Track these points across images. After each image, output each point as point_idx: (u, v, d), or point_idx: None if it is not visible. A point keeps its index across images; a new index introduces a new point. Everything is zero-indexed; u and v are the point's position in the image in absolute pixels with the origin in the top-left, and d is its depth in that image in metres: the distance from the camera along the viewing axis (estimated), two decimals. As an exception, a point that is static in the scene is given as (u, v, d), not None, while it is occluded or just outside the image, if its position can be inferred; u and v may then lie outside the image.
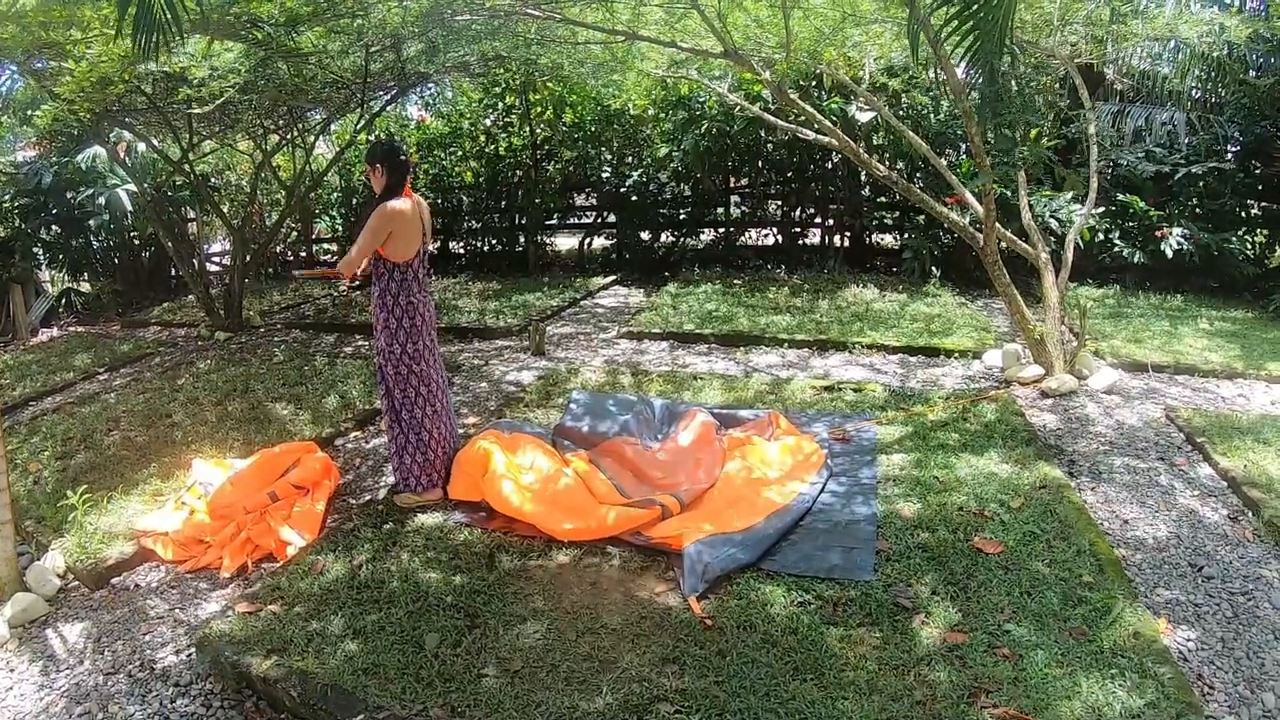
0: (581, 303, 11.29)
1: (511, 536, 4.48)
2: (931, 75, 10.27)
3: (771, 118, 8.60)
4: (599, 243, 14.79)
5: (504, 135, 13.71)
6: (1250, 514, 4.51)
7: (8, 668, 3.83)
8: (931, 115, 10.73)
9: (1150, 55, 9.40)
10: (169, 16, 3.50)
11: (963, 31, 4.28)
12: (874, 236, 12.96)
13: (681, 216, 13.66)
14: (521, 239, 14.40)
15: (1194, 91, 10.00)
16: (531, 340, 8.56)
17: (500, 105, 13.64)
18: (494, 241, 14.75)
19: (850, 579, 3.90)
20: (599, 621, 3.62)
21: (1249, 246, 10.09)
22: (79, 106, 7.59)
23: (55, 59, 7.15)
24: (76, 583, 4.54)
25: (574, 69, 9.90)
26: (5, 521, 4.30)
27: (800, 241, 13.19)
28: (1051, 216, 9.68)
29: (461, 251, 15.12)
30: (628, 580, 3.99)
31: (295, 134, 11.71)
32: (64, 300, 13.45)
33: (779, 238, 13.47)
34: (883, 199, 12.30)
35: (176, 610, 4.21)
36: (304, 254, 16.08)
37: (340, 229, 15.53)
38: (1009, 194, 8.57)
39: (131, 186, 11.39)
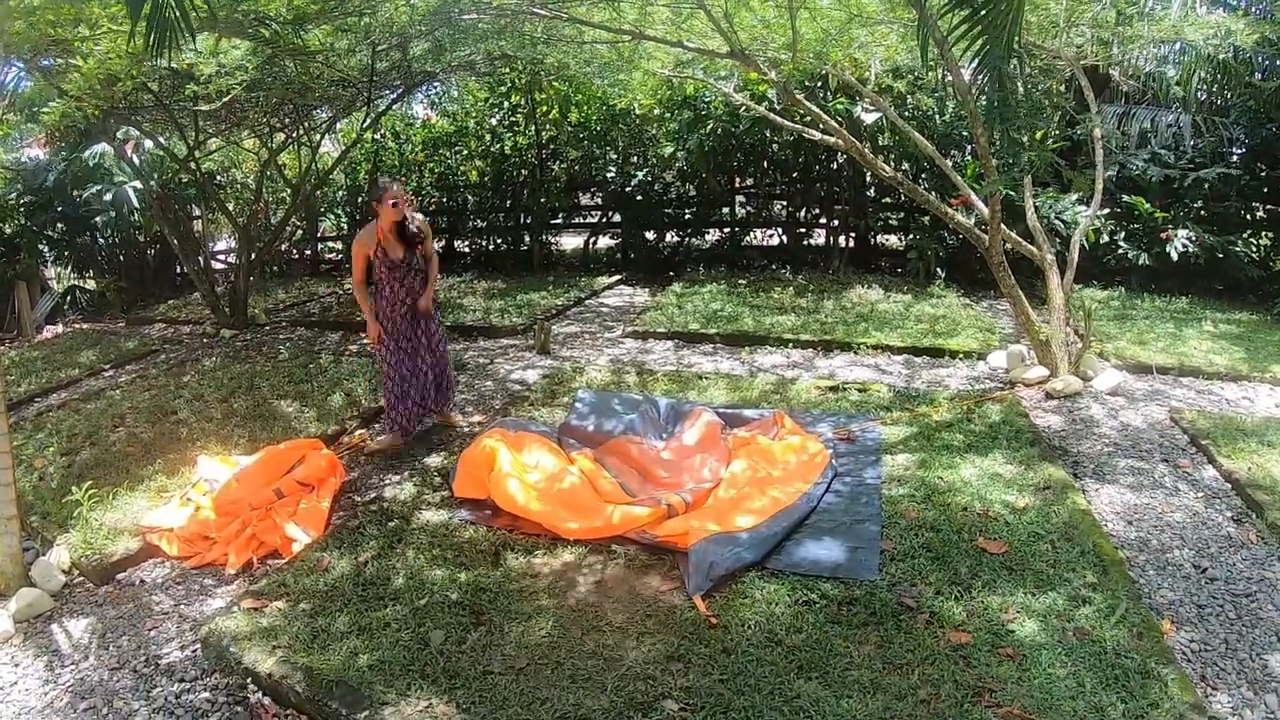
0: (586, 302, 11.29)
1: (516, 534, 4.49)
2: (937, 77, 10.28)
3: (777, 118, 8.60)
4: (604, 242, 14.79)
5: (509, 134, 13.71)
6: (1254, 516, 4.51)
7: (13, 663, 3.84)
8: (937, 116, 10.72)
9: (1156, 57, 9.40)
10: (179, 14, 3.51)
11: (971, 35, 4.28)
12: (879, 237, 12.94)
13: (687, 216, 13.65)
14: (526, 238, 14.41)
15: (1200, 94, 9.99)
16: (536, 339, 8.57)
17: (506, 104, 13.64)
18: (499, 240, 14.77)
19: (855, 578, 3.90)
20: (604, 619, 3.63)
21: (1254, 249, 10.07)
22: (87, 104, 7.61)
23: (63, 56, 7.16)
24: (81, 578, 4.55)
25: (580, 68, 9.91)
26: (11, 517, 4.31)
27: (805, 242, 13.18)
28: (1057, 218, 9.68)
29: (467, 250, 15.14)
30: (633, 578, 3.99)
31: (301, 132, 11.72)
32: (69, 297, 13.48)
33: (784, 238, 13.47)
34: (888, 200, 12.30)
35: (181, 606, 4.22)
36: (309, 252, 16.10)
37: (345, 227, 15.54)
38: (1014, 195, 8.56)
39: (138, 184, 11.41)
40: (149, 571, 4.60)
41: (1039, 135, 9.22)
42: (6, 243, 12.37)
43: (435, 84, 13.74)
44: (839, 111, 10.64)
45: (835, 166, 12.18)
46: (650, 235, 13.76)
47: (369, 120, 11.51)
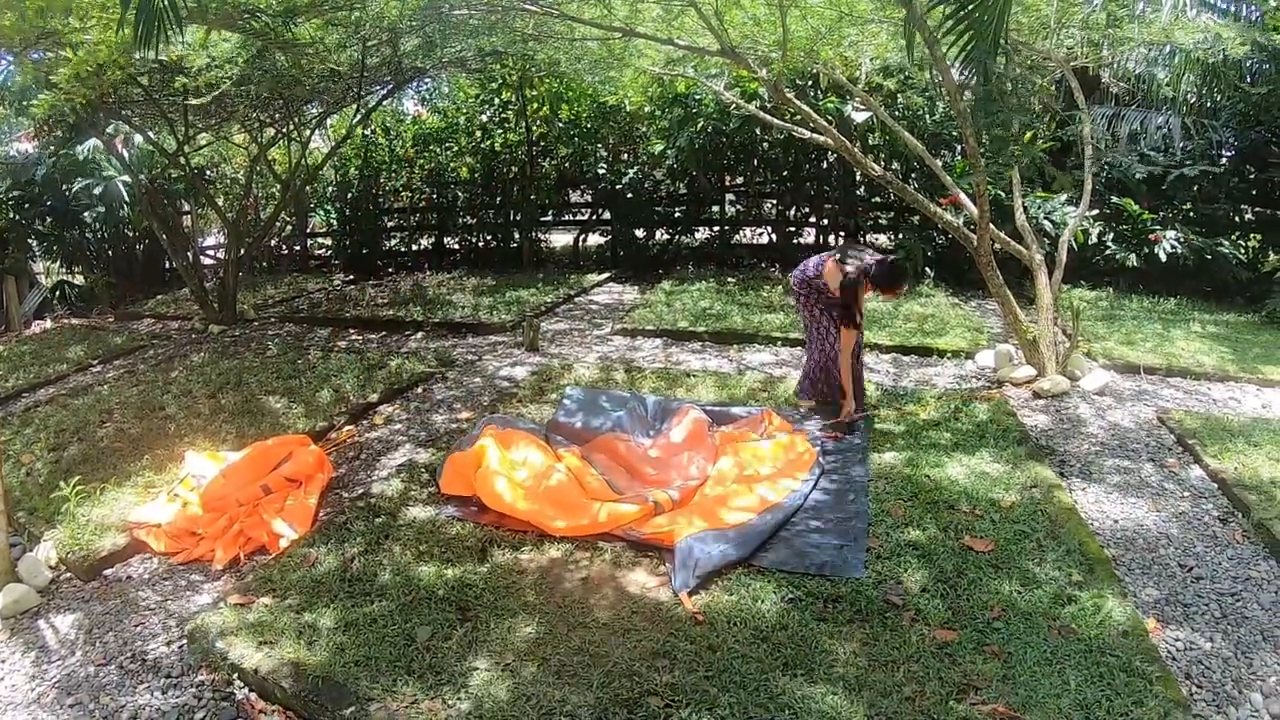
0: (576, 299, 11.29)
1: (503, 531, 4.49)
2: (927, 76, 10.29)
3: (767, 116, 8.61)
4: (593, 240, 14.79)
5: (500, 131, 13.72)
6: (1240, 515, 4.54)
7: (-1, 658, 3.83)
8: (927, 116, 10.74)
9: (1146, 60, 9.43)
10: (167, 5, 3.51)
11: (958, 31, 4.29)
12: (868, 236, 12.96)
13: (676, 214, 13.66)
14: (516, 235, 14.40)
15: (1189, 97, 10.03)
16: (525, 336, 8.57)
17: (496, 101, 13.65)
18: (489, 237, 14.77)
19: (841, 576, 3.91)
20: (590, 615, 3.63)
21: (1242, 251, 10.11)
22: (75, 95, 7.57)
23: (53, 48, 7.13)
24: (69, 574, 4.54)
25: (571, 65, 9.90)
26: (-3, 511, 4.30)
27: (795, 240, 13.18)
28: (1046, 218, 9.70)
29: (456, 247, 15.13)
30: (619, 575, 4.00)
31: (291, 127, 11.69)
32: (58, 292, 13.43)
33: (773, 236, 13.48)
34: (877, 199, 12.33)
35: (168, 602, 4.21)
36: (298, 248, 16.08)
37: (334, 223, 15.52)
38: (1003, 195, 8.59)
39: (127, 179, 11.37)
40: (136, 567, 4.59)
41: (1028, 135, 9.25)
42: (-5, 237, 12.32)
43: (426, 80, 13.72)
44: (829, 110, 10.66)
45: (825, 165, 12.19)
46: (640, 233, 13.75)
47: (359, 116, 11.50)
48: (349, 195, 14.88)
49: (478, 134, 13.88)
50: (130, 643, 3.85)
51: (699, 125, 11.55)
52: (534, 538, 4.38)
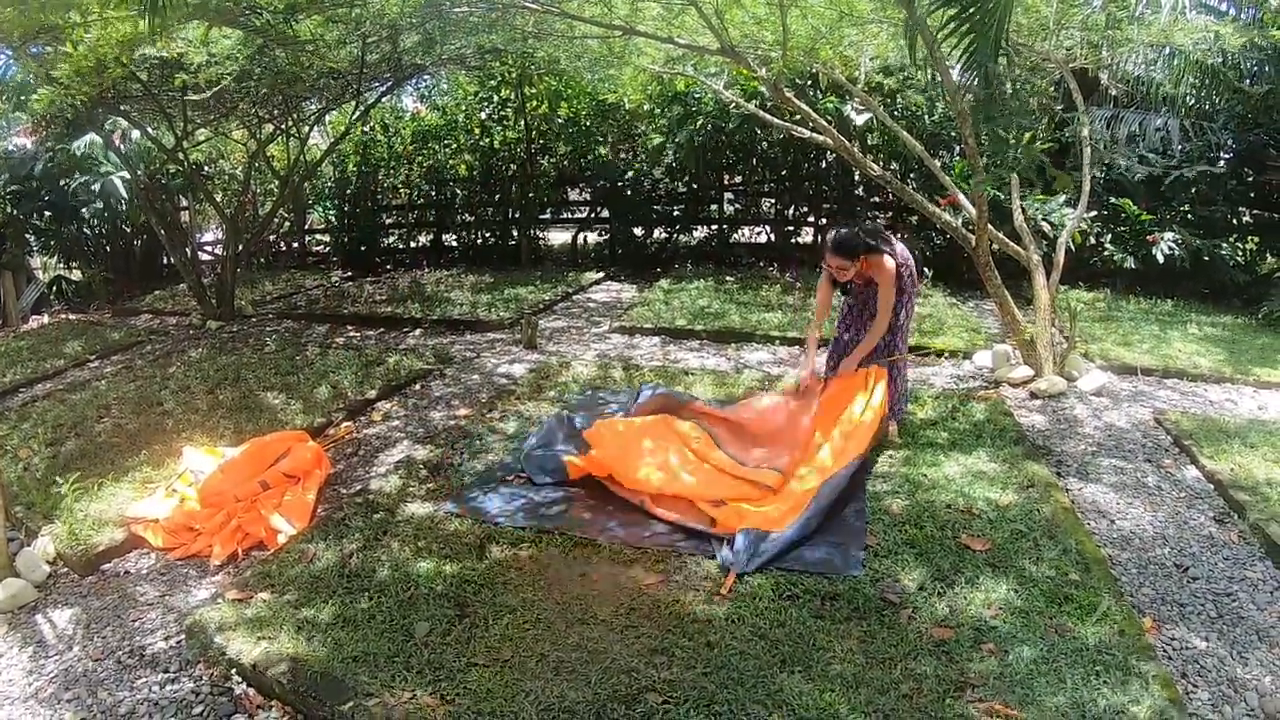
0: (574, 297, 11.29)
1: (501, 528, 4.48)
2: (927, 76, 10.30)
3: (767, 115, 8.61)
4: (592, 238, 14.80)
5: (499, 129, 13.71)
6: (1236, 516, 4.55)
7: (-4, 652, 3.83)
8: (926, 116, 10.75)
9: (1145, 61, 9.43)
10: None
11: (960, 34, 4.31)
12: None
13: (675, 213, 13.67)
14: (515, 232, 14.40)
15: (1188, 98, 10.04)
16: (524, 334, 8.57)
17: (496, 98, 13.64)
18: (487, 235, 14.77)
19: (839, 574, 3.92)
20: (588, 612, 3.64)
21: (1240, 253, 10.13)
22: (75, 91, 7.56)
23: (52, 43, 7.13)
24: (66, 569, 4.54)
25: (570, 63, 9.90)
26: (-5, 506, 4.30)
27: (793, 240, 13.20)
28: (1044, 219, 9.70)
29: (455, 244, 15.13)
30: (617, 572, 4.00)
31: (290, 123, 11.68)
32: (55, 287, 13.42)
33: (772, 236, 13.49)
34: (876, 199, 12.34)
35: (166, 597, 4.21)
36: (296, 244, 16.07)
37: (333, 220, 15.51)
38: (1002, 196, 8.59)
39: (126, 174, 11.35)
40: (134, 562, 4.59)
41: (1027, 137, 9.25)
42: (-8, 231, 12.31)
43: (425, 77, 13.72)
44: (829, 110, 10.66)
45: (824, 165, 12.20)
46: (638, 231, 13.76)
47: (358, 112, 11.49)
48: (347, 192, 14.86)
49: (477, 131, 13.86)
50: (128, 638, 3.86)
51: (698, 124, 11.55)
52: (532, 534, 4.38)
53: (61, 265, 13.69)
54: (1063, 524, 4.28)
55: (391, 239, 15.49)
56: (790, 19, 6.43)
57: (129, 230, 13.76)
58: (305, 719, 3.23)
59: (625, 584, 3.89)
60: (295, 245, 16.12)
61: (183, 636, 3.76)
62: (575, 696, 3.09)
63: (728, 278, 11.55)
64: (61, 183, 12.04)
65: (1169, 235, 9.67)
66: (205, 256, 14.48)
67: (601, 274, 12.66)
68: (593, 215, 14.52)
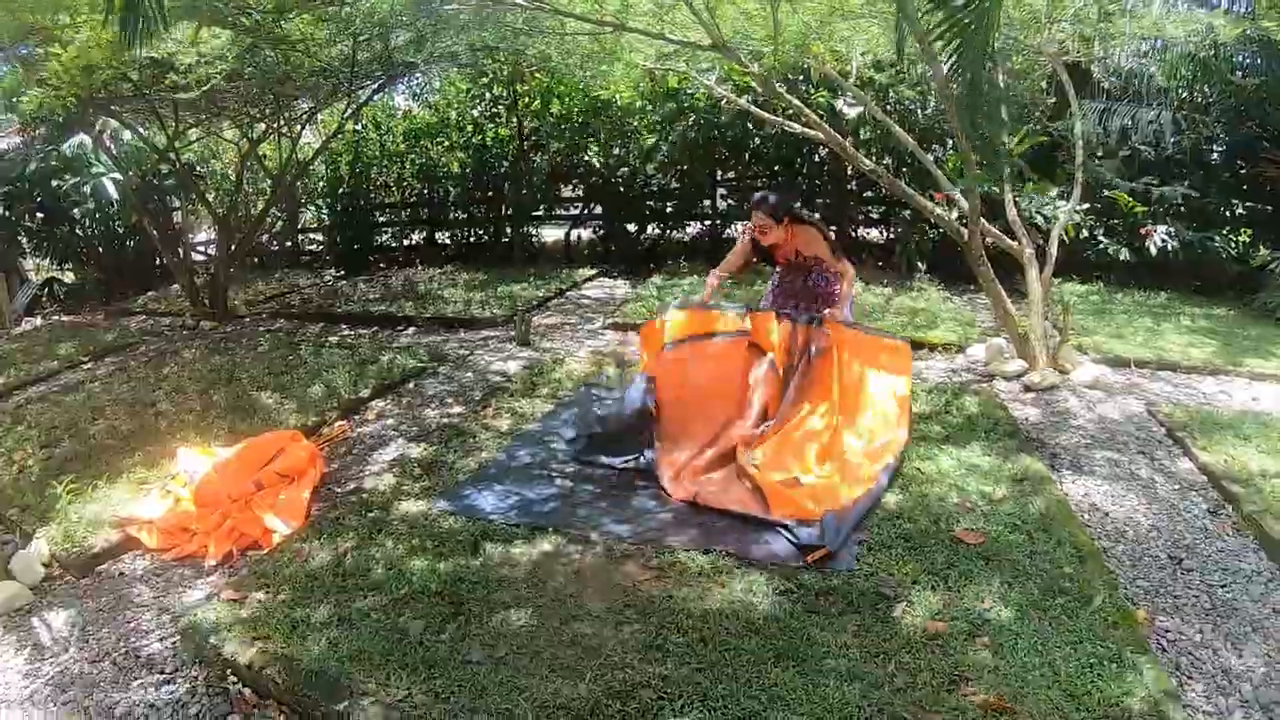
0: (567, 294, 11.26)
1: (496, 525, 4.48)
2: (919, 71, 10.30)
3: (759, 111, 8.61)
4: (585, 234, 14.78)
5: (491, 126, 13.69)
6: (1230, 508, 4.56)
7: (-9, 655, 3.83)
8: (919, 111, 10.75)
9: (1137, 54, 9.44)
10: (156, 4, 3.50)
11: (948, 36, 4.32)
12: (860, 230, 12.97)
13: (668, 209, 13.65)
14: (508, 230, 14.38)
15: (1181, 91, 10.05)
16: (517, 331, 8.56)
17: (488, 96, 13.62)
18: (480, 232, 14.71)
19: (833, 568, 3.93)
20: (582, 608, 3.64)
21: (1233, 245, 10.14)
22: (65, 92, 7.55)
23: (42, 45, 7.11)
24: (61, 571, 4.54)
25: (562, 59, 9.89)
26: (-11, 508, 4.30)
27: (787, 235, 13.17)
28: (1037, 213, 9.71)
29: (448, 242, 15.08)
30: (611, 568, 4.00)
31: (281, 123, 11.66)
32: (48, 289, 13.39)
33: (765, 231, 13.45)
34: (869, 193, 12.33)
35: (161, 598, 4.21)
36: (289, 243, 16.04)
37: (326, 219, 15.49)
38: (995, 190, 8.60)
39: (117, 175, 11.33)
40: (129, 564, 4.59)
41: (1019, 135, 9.26)
42: (-15, 233, 12.28)
43: (417, 75, 13.68)
44: (821, 105, 10.65)
45: (817, 160, 12.17)
46: (631, 227, 13.74)
47: (350, 111, 11.48)
48: (340, 191, 14.82)
49: (469, 129, 13.84)
50: (124, 639, 3.85)
51: (691, 120, 11.54)
52: (525, 532, 4.38)
53: (54, 267, 13.67)
54: (1056, 517, 4.29)
55: (384, 237, 15.43)
56: (781, 14, 6.43)
57: (122, 231, 13.73)
58: (301, 718, 3.23)
59: (619, 580, 3.89)
60: (288, 244, 16.08)
61: (178, 637, 3.75)
62: (570, 693, 3.09)
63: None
64: (53, 184, 12.02)
65: (1162, 228, 9.68)
66: (198, 257, 14.44)
67: (595, 270, 12.61)
68: (585, 212, 14.49)
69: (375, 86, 11.62)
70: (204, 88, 8.12)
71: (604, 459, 5.23)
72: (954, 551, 4.01)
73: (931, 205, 7.04)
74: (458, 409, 6.55)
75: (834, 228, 11.81)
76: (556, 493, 4.89)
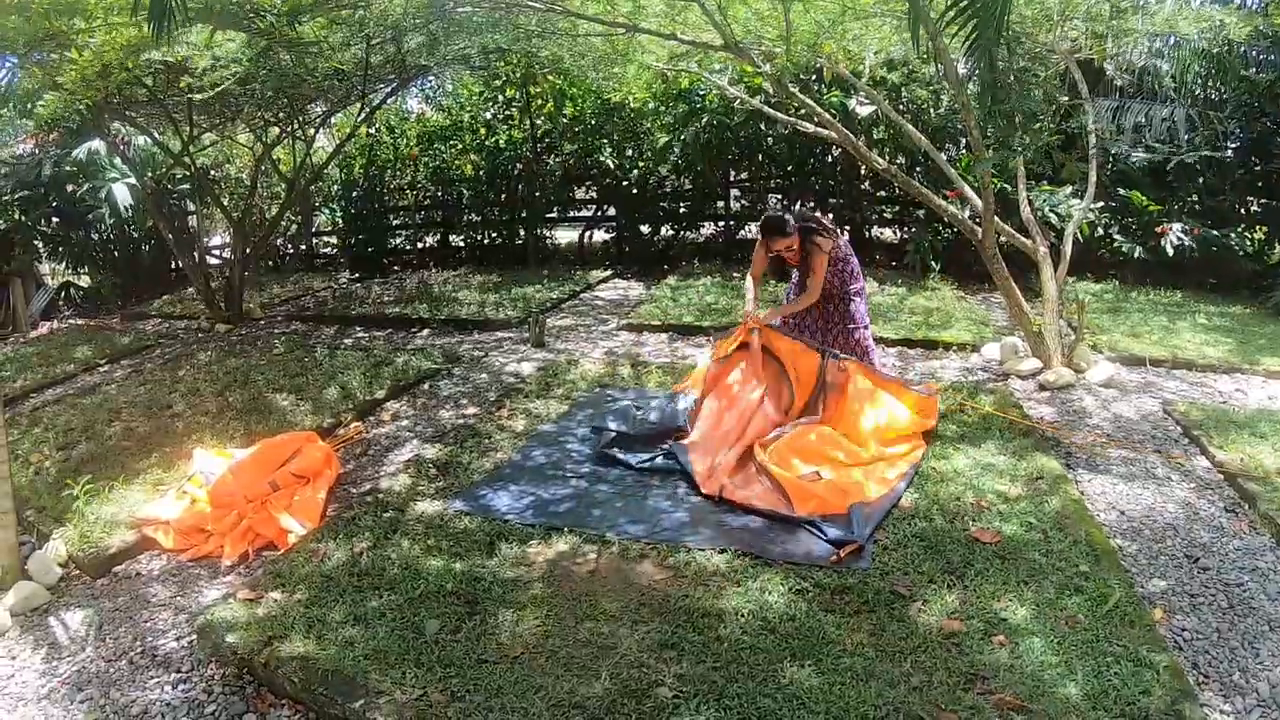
0: (581, 295, 11.29)
1: (511, 525, 4.49)
2: (931, 70, 10.27)
3: (771, 111, 8.61)
4: (598, 236, 14.79)
5: (504, 128, 13.70)
6: (1246, 506, 4.54)
7: (10, 655, 3.85)
8: (931, 110, 10.73)
9: (1150, 51, 9.40)
10: (178, 2, 3.54)
11: (961, 21, 4.30)
12: (874, 230, 12.96)
13: (681, 210, 13.65)
14: (521, 232, 14.40)
15: (1194, 87, 10.00)
16: (531, 332, 8.57)
17: (500, 98, 13.65)
18: (494, 234, 14.74)
19: (848, 567, 3.92)
20: (597, 607, 3.65)
21: (1249, 243, 10.09)
22: (81, 96, 7.59)
23: (57, 50, 7.16)
24: (78, 571, 4.56)
25: (574, 61, 9.90)
26: (7, 511, 4.32)
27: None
28: (1051, 211, 9.68)
29: (462, 244, 15.11)
30: (626, 568, 4.01)
31: (295, 126, 11.70)
32: (64, 293, 13.47)
33: (779, 231, 13.43)
34: (882, 193, 12.32)
35: (178, 598, 4.23)
36: (304, 247, 16.10)
37: (340, 222, 15.53)
38: (1008, 188, 8.57)
39: (132, 180, 11.39)
40: (145, 564, 4.61)
41: (1037, 127, 9.22)
42: (1, 238, 12.34)
43: (430, 78, 13.73)
44: (834, 104, 10.64)
45: (830, 160, 12.17)
46: (645, 229, 13.75)
47: (363, 114, 11.51)
48: (354, 194, 14.86)
49: (482, 131, 13.87)
50: (140, 638, 3.87)
51: (704, 120, 11.54)
52: (541, 531, 4.39)
53: (70, 271, 13.75)
54: (1072, 515, 4.28)
55: (398, 240, 15.46)
56: (793, 14, 6.43)
57: (137, 235, 13.81)
58: (317, 718, 3.24)
59: (634, 579, 3.90)
60: (302, 248, 16.16)
61: (194, 637, 3.77)
62: (585, 692, 3.10)
63: (735, 274, 11.52)
64: (69, 188, 12.08)
65: (1178, 226, 9.63)
66: (213, 260, 14.53)
67: (609, 272, 12.65)
68: (599, 213, 14.51)
69: (389, 90, 11.66)
70: (218, 89, 8.15)
71: (620, 454, 5.25)
72: (970, 550, 4.00)
73: (944, 204, 7.02)
74: (472, 410, 6.57)
75: (847, 227, 11.87)
76: (571, 493, 4.90)
